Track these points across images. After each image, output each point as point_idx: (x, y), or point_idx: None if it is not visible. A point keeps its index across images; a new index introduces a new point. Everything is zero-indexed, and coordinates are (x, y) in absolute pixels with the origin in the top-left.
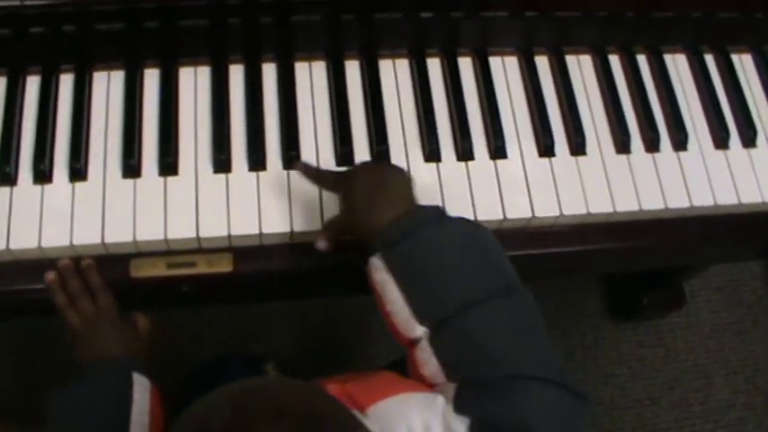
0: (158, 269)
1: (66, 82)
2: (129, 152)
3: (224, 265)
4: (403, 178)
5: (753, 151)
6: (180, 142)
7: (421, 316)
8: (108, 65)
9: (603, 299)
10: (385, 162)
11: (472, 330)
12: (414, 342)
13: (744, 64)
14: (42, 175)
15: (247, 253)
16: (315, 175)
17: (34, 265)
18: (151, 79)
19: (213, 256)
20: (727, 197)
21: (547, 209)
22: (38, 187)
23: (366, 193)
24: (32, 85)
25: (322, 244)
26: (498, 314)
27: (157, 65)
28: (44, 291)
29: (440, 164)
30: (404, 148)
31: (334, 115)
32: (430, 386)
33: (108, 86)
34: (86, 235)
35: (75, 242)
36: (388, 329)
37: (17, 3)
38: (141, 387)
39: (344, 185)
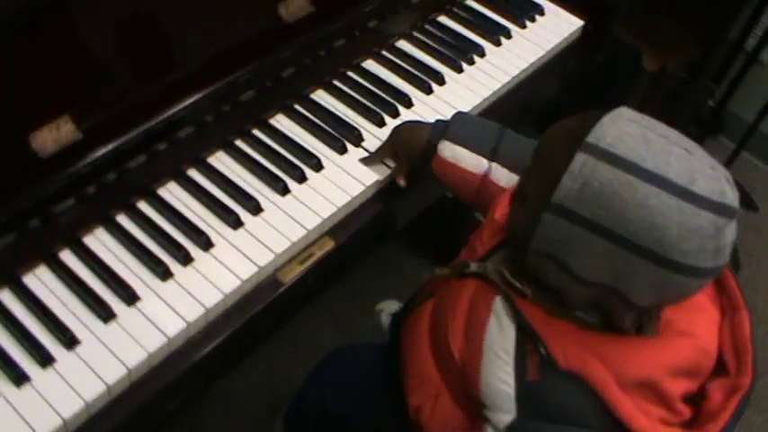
0: (295, 269)
1: None
2: None
3: (328, 244)
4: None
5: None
6: None
7: (483, 152)
8: None
9: None
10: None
11: (513, 139)
12: (486, 173)
13: None
14: None
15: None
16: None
17: None
18: None
19: (317, 242)
20: None
21: None
22: None
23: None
24: None
25: (402, 181)
26: (514, 134)
27: None
28: None
29: None
30: None
31: None
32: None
33: None
34: None
35: None
36: (461, 197)
37: None
38: None
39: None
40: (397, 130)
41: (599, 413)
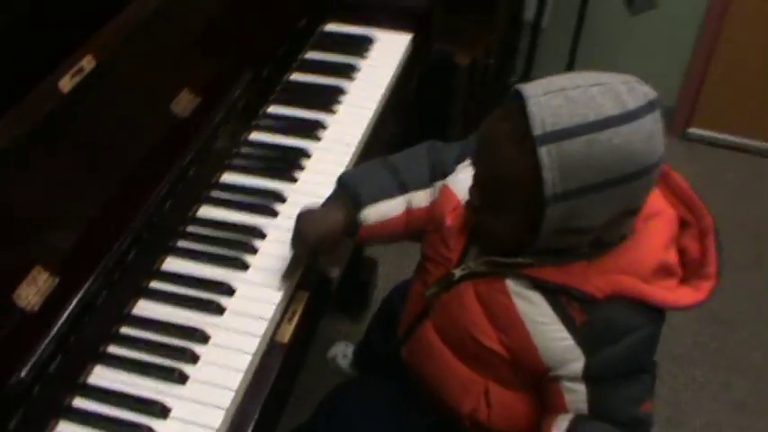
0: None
1: None
2: None
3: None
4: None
5: None
6: None
7: (395, 193)
8: None
9: None
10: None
11: (402, 162)
12: (408, 208)
13: None
14: None
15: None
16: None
17: None
18: None
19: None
20: None
21: None
22: None
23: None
24: None
25: (335, 269)
26: (397, 158)
27: None
28: None
29: None
30: None
31: None
32: None
33: None
34: None
35: None
36: (393, 240)
37: None
38: None
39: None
40: (303, 230)
41: (642, 311)
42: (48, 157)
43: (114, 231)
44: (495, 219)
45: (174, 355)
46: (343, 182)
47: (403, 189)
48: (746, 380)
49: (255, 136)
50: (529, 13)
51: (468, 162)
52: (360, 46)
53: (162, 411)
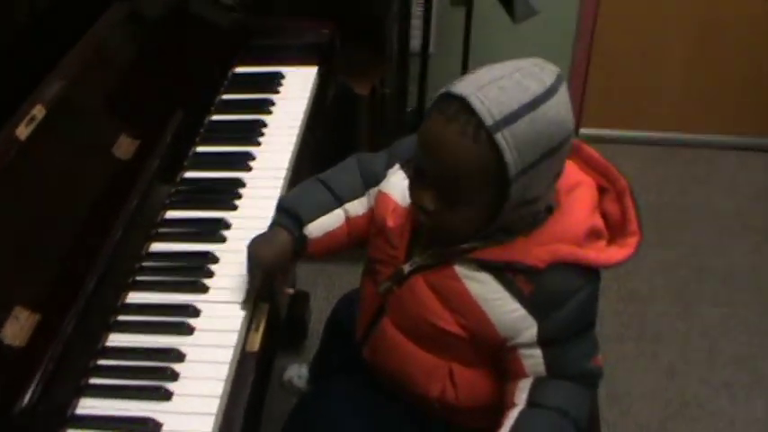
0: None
1: None
2: None
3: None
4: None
5: None
6: None
7: (333, 206)
8: None
9: None
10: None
11: (333, 177)
12: (347, 217)
13: None
14: None
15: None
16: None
17: None
18: None
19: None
20: None
21: None
22: None
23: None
24: None
25: (289, 290)
26: (328, 174)
27: None
28: None
29: None
30: None
31: None
32: None
33: None
34: None
35: None
36: (338, 250)
37: None
38: None
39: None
40: (257, 255)
41: (581, 273)
42: (10, 201)
43: (76, 270)
44: (454, 215)
45: (155, 376)
46: (282, 206)
47: (339, 202)
48: (672, 347)
49: (191, 174)
50: (415, 43)
51: (397, 167)
52: (272, 82)
53: (155, 427)
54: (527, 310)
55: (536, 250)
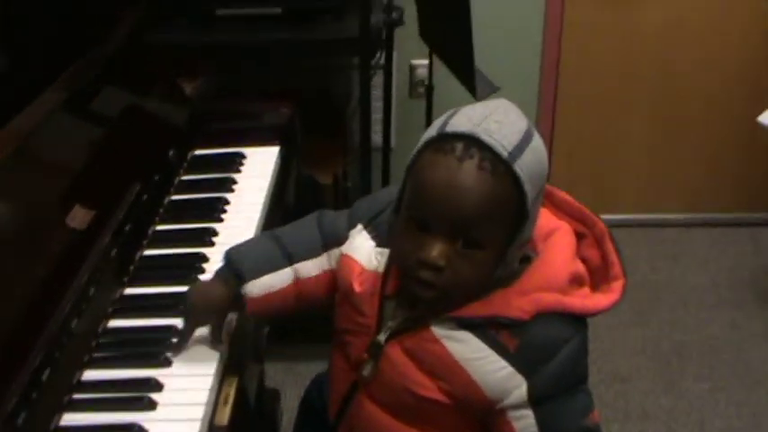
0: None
1: None
2: None
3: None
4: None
5: None
6: None
7: (281, 265)
8: None
9: None
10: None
11: (290, 234)
12: (296, 278)
13: None
14: None
15: None
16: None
17: None
18: None
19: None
20: None
21: None
22: None
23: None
24: None
25: (224, 339)
26: (284, 230)
27: None
28: None
29: None
30: None
31: None
32: None
33: None
34: None
35: None
36: (283, 314)
37: None
38: None
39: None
40: (189, 303)
41: (568, 322)
42: None
43: (26, 347)
44: (467, 263)
45: None
46: (227, 257)
47: (289, 260)
48: (659, 426)
49: (150, 252)
50: (377, 138)
51: (359, 227)
52: (233, 162)
53: None
54: (514, 367)
55: (518, 301)
